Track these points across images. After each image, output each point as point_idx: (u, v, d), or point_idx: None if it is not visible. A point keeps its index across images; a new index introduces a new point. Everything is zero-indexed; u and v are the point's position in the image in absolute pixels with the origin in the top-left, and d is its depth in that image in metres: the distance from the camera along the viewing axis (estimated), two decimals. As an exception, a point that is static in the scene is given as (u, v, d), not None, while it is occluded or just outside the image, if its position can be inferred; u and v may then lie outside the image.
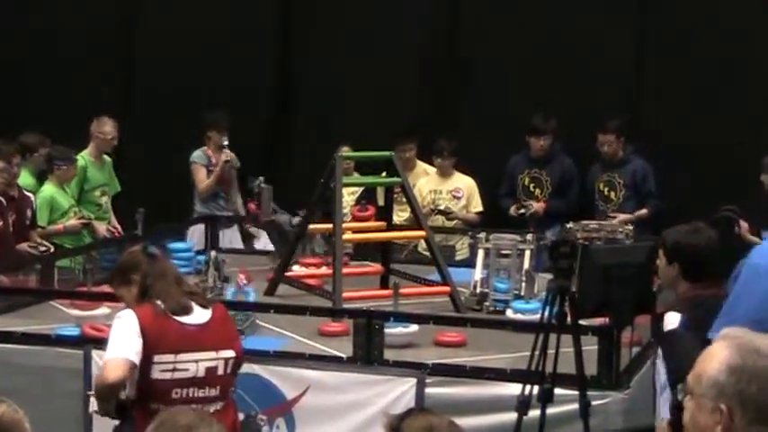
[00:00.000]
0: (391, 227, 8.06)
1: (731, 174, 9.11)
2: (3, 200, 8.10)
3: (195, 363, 4.71)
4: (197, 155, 9.82)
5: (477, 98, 10.43)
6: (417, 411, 3.43)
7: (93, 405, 4.78)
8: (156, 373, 4.65)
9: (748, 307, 3.86)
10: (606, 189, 9.40)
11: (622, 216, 9.00)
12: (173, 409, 3.35)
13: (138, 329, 4.63)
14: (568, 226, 7.50)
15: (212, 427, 3.11)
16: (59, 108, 10.53)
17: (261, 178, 8.38)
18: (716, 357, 2.61)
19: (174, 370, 4.67)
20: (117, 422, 4.84)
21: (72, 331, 6.42)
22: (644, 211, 9.30)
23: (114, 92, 11.22)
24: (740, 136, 9.51)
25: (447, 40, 10.81)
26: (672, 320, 4.87)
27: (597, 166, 9.55)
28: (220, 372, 4.77)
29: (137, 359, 4.60)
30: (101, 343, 5.66)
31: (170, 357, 4.66)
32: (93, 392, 4.79)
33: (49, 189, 8.80)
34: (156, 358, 4.64)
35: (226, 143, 9.70)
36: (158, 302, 4.74)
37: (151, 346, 4.63)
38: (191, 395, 4.69)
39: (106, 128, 9.46)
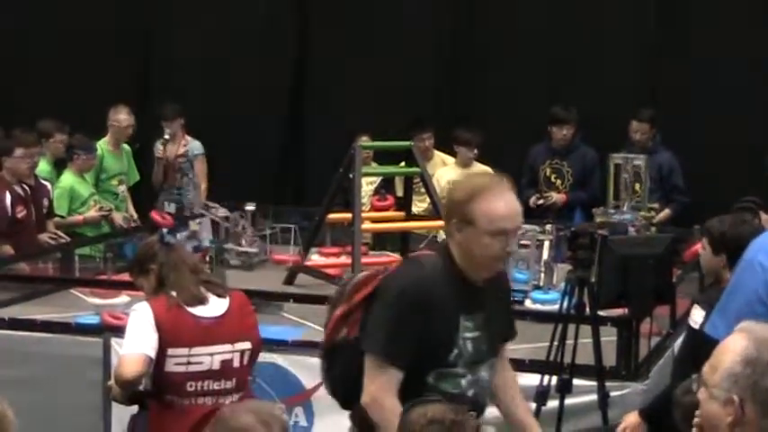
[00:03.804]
0: (410, 217, 8.05)
1: (746, 168, 9.09)
2: (26, 188, 8.13)
3: (210, 356, 4.69)
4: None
5: (497, 89, 10.41)
6: (420, 401, 3.44)
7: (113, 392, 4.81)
8: (171, 366, 4.64)
9: (740, 303, 3.84)
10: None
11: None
12: (232, 408, 3.27)
13: (154, 323, 4.62)
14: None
15: (271, 431, 3.00)
16: (78, 96, 10.57)
17: None
18: (732, 349, 2.61)
19: (189, 363, 4.65)
20: (134, 410, 4.87)
21: (92, 320, 6.44)
22: (666, 211, 9.17)
23: (135, 87, 11.27)
24: (756, 131, 9.50)
25: (466, 30, 10.79)
26: (697, 317, 4.87)
27: (622, 157, 9.47)
28: (236, 364, 4.75)
29: (153, 354, 4.59)
30: (120, 331, 5.68)
31: (184, 351, 4.64)
32: (111, 382, 4.82)
33: (68, 178, 8.81)
34: (171, 351, 4.63)
35: (166, 136, 9.77)
36: (173, 294, 4.73)
37: (165, 339, 4.62)
38: (206, 388, 4.68)
39: (120, 116, 9.49)
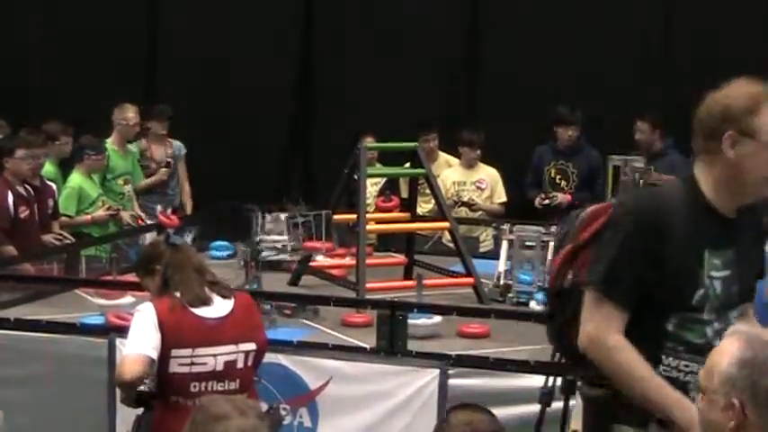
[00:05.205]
0: (415, 218, 8.05)
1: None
2: (29, 189, 8.13)
3: (213, 357, 4.70)
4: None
5: (500, 89, 10.42)
6: (463, 406, 3.36)
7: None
8: (174, 367, 4.66)
9: None
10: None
11: None
12: (211, 398, 3.31)
13: (157, 323, 4.63)
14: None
15: (247, 418, 3.04)
16: (79, 98, 10.58)
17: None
18: (726, 352, 2.59)
19: (192, 364, 4.67)
20: (140, 411, 4.87)
21: (97, 320, 6.44)
22: None
23: (137, 88, 11.28)
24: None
25: (470, 30, 10.81)
26: None
27: (630, 158, 9.44)
28: (240, 365, 4.76)
29: (155, 354, 4.61)
30: (125, 332, 5.69)
31: (187, 352, 4.66)
32: None
33: (76, 179, 8.82)
34: (174, 352, 4.64)
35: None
36: (177, 294, 4.74)
37: (169, 340, 4.63)
38: (210, 389, 4.69)
39: (128, 114, 9.48)
